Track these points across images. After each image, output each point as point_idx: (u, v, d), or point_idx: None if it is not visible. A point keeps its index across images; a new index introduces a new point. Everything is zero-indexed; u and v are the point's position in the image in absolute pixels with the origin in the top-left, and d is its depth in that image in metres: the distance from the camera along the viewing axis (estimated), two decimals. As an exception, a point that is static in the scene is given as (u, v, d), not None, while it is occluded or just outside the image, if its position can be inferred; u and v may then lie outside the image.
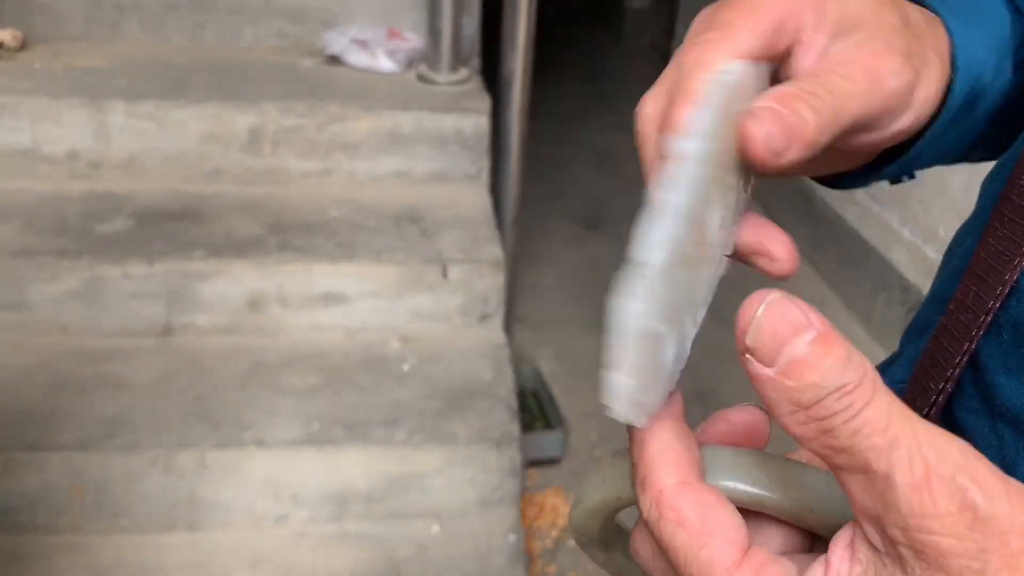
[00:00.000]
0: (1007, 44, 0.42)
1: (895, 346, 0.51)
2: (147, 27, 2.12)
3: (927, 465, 0.22)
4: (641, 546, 0.31)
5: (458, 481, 1.57)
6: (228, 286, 1.72)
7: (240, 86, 1.96)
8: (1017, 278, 0.40)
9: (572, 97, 3.91)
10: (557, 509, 1.91)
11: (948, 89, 0.39)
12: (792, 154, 0.31)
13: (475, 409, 1.62)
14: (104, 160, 1.90)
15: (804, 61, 0.35)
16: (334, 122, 1.90)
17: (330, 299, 1.73)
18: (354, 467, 1.55)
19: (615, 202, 3.09)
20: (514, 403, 1.65)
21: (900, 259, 2.26)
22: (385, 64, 2.05)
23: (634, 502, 0.31)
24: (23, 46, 2.03)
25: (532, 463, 1.99)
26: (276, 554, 1.53)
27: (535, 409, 2.10)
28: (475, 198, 1.97)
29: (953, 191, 2.04)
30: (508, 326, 2.01)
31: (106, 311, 1.71)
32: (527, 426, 2.04)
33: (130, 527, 1.52)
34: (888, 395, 0.24)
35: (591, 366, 2.33)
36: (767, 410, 0.25)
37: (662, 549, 0.28)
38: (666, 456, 0.29)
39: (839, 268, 2.49)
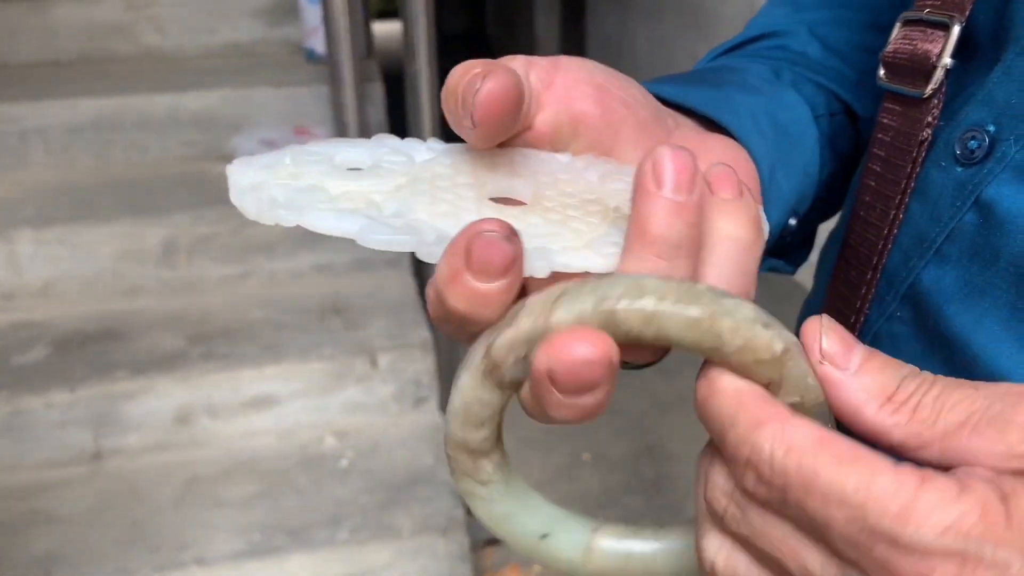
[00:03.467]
0: (809, 115, 0.46)
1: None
2: (52, 152, 2.11)
3: None
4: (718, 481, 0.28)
5: (409, 574, 1.54)
6: (155, 403, 1.69)
7: (150, 200, 1.96)
8: None
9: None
10: (517, 585, 1.88)
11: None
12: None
13: (418, 498, 1.60)
14: (18, 290, 1.87)
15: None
16: (248, 225, 1.90)
17: (259, 403, 1.71)
18: (300, 573, 1.52)
19: (546, 265, 3.12)
20: (457, 485, 1.63)
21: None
22: (295, 161, 2.06)
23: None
24: (-75, 185, 2.01)
25: (488, 542, 1.96)
26: (229, 675, 1.48)
27: (485, 485, 2.08)
28: (398, 283, 1.97)
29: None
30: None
31: (31, 444, 1.67)
32: (479, 504, 2.01)
33: (73, 668, 1.46)
34: None
35: (539, 432, 2.33)
36: (853, 414, 0.27)
37: (782, 488, 0.25)
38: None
39: (769, 306, 2.53)
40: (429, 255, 0.29)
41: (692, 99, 0.41)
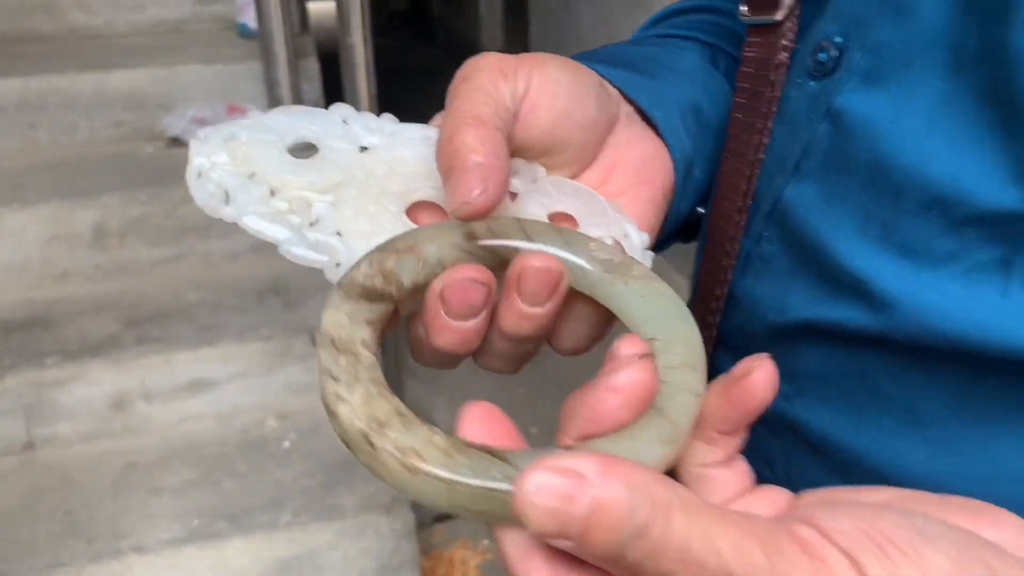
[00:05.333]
0: (703, 65, 0.46)
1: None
2: (-27, 135, 2.04)
3: None
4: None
5: (353, 553, 1.53)
6: (88, 390, 1.65)
7: (79, 182, 1.90)
8: (727, 291, 0.43)
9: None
10: (467, 562, 1.88)
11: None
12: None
13: (361, 476, 1.58)
14: (-59, 278, 1.80)
15: None
16: (181, 205, 1.86)
17: (197, 387, 1.68)
18: (242, 558, 1.49)
19: (492, 243, 3.10)
20: (401, 463, 1.62)
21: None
22: (229, 140, 2.01)
23: None
24: None
25: (437, 519, 1.95)
26: (171, 663, 1.45)
27: (433, 463, 2.07)
28: (339, 261, 1.94)
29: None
30: (400, 381, 1.98)
31: (-41, 437, 1.62)
32: (426, 482, 2.00)
33: (8, 664, 1.43)
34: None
35: (487, 410, 2.32)
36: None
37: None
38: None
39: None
40: (334, 276, 0.32)
41: (632, 90, 0.42)
